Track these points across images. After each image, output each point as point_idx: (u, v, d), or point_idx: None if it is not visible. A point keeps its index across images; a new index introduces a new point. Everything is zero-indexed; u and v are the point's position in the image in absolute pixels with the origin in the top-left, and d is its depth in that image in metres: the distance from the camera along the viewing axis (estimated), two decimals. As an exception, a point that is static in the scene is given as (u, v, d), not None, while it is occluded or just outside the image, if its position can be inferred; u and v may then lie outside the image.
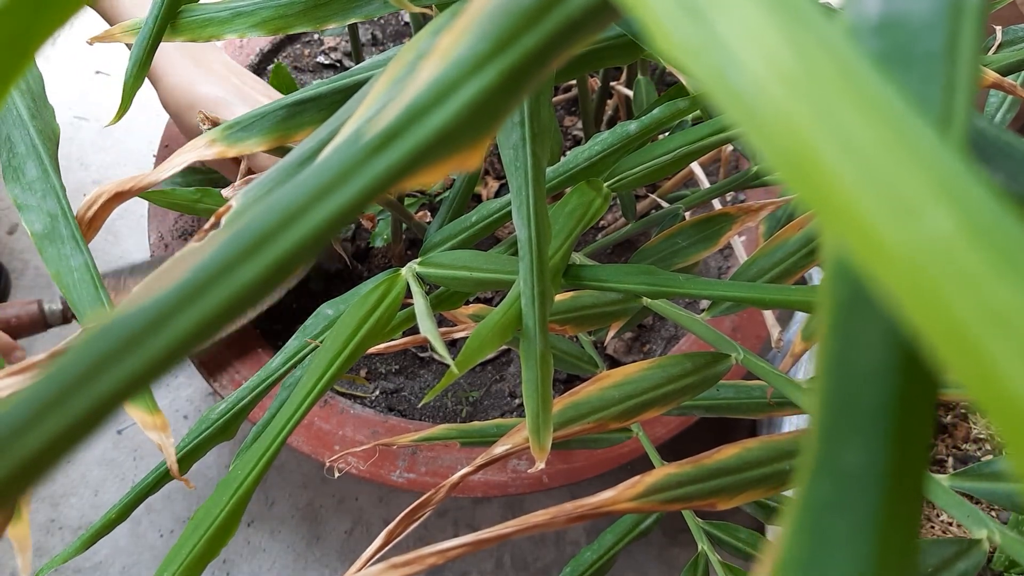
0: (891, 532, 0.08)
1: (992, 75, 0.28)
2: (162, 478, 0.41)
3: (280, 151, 0.38)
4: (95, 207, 0.33)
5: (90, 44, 0.39)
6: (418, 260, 0.40)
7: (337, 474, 0.51)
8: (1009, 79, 0.30)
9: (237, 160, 0.61)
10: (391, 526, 0.32)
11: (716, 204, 0.62)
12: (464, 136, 0.09)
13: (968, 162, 0.06)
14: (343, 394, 0.67)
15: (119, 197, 0.33)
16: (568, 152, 0.44)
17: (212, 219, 0.19)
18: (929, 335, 0.06)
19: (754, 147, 0.07)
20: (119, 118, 0.39)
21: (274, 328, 0.70)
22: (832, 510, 0.08)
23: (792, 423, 0.61)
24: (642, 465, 0.47)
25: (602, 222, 0.75)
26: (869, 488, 0.08)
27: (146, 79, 0.59)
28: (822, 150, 0.06)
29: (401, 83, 0.11)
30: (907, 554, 0.08)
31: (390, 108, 0.09)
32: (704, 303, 0.71)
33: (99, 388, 0.07)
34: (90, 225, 0.33)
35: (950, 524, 0.63)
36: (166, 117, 0.68)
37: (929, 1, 0.08)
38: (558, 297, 0.42)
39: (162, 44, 0.58)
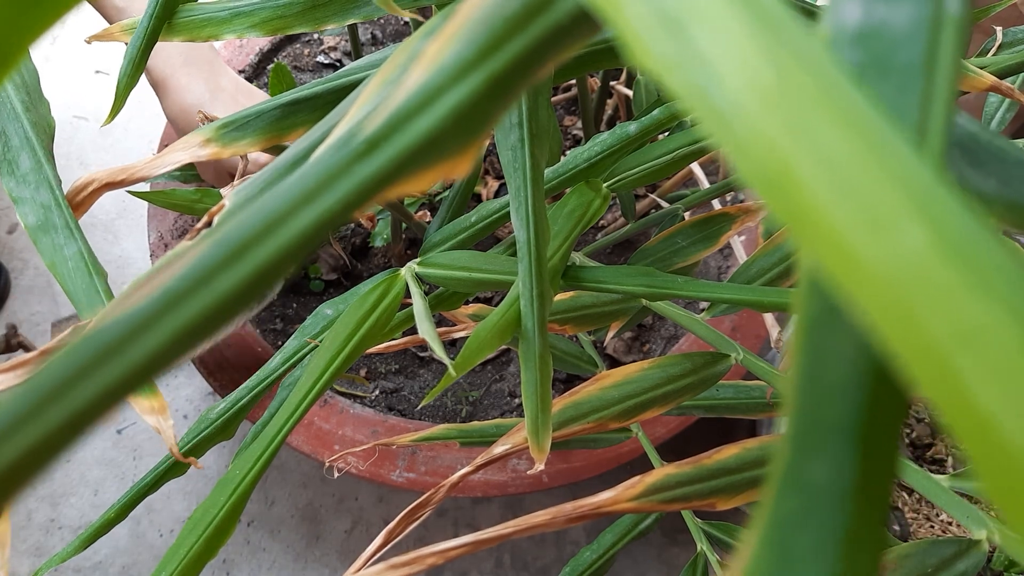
0: (856, 549, 0.08)
1: (989, 78, 0.28)
2: (161, 477, 0.41)
3: (276, 150, 0.38)
4: (84, 193, 0.33)
5: (88, 43, 0.39)
6: (417, 260, 0.40)
7: (337, 474, 0.51)
8: (1007, 81, 0.30)
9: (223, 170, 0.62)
10: (390, 526, 0.32)
11: (716, 204, 0.62)
12: (450, 142, 0.09)
13: (943, 177, 0.06)
14: (343, 394, 0.67)
15: (109, 187, 0.33)
16: (568, 152, 0.44)
17: (205, 218, 0.19)
18: (900, 351, 0.06)
19: (731, 162, 0.07)
20: (112, 117, 0.39)
21: (274, 328, 0.70)
22: (798, 525, 0.08)
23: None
24: (642, 465, 0.47)
25: (602, 221, 0.75)
26: (835, 503, 0.08)
27: (153, 89, 0.59)
28: (798, 166, 0.06)
29: (392, 85, 0.10)
30: (872, 571, 0.08)
31: (376, 115, 0.09)
32: (704, 302, 0.71)
33: (77, 399, 0.07)
34: (76, 209, 0.33)
35: (950, 523, 0.63)
36: (165, 117, 0.68)
37: (909, 12, 0.08)
38: (557, 297, 0.42)
39: (174, 58, 0.58)
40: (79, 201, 0.32)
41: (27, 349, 0.69)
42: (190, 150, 0.32)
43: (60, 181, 0.33)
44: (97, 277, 0.31)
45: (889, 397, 0.08)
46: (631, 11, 0.07)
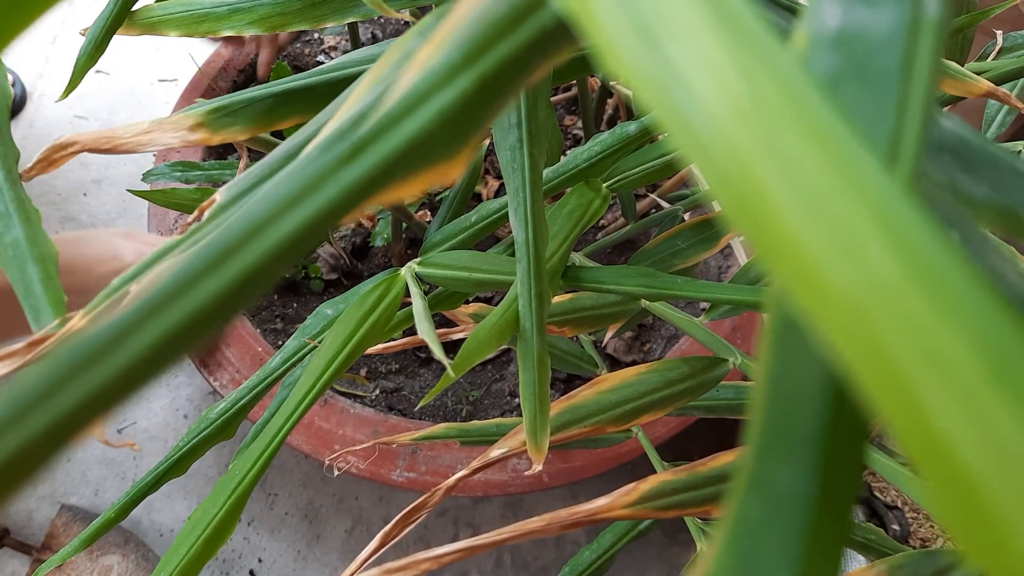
0: (816, 555, 0.08)
1: (985, 84, 0.28)
2: (162, 476, 0.41)
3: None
4: (62, 153, 0.31)
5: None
6: (417, 260, 0.40)
7: (337, 473, 0.51)
8: (1007, 87, 0.30)
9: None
10: (386, 528, 0.32)
11: (716, 205, 0.62)
12: (439, 146, 0.08)
13: (913, 198, 0.06)
14: (343, 393, 0.67)
15: (92, 151, 0.31)
16: (568, 152, 0.44)
17: (195, 213, 0.19)
18: (862, 373, 0.06)
19: (700, 175, 0.07)
20: (67, 94, 0.38)
21: (274, 328, 0.70)
22: (761, 530, 0.08)
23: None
24: (642, 464, 0.47)
25: (602, 221, 0.75)
26: (797, 510, 0.08)
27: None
28: (766, 181, 0.06)
29: (383, 84, 0.10)
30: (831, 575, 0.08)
31: (365, 119, 0.09)
32: (705, 303, 0.71)
33: (56, 408, 0.06)
34: (47, 166, 0.31)
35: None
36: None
37: (888, 18, 0.08)
38: (557, 298, 0.42)
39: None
40: (54, 159, 0.31)
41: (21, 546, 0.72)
42: (179, 133, 0.31)
43: (19, 155, 0.31)
44: (36, 266, 0.29)
45: (854, 408, 0.08)
46: (605, 20, 0.07)
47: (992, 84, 0.28)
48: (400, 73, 0.09)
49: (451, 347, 0.69)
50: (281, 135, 0.69)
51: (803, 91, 0.06)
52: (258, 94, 0.34)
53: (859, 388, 0.06)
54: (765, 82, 0.06)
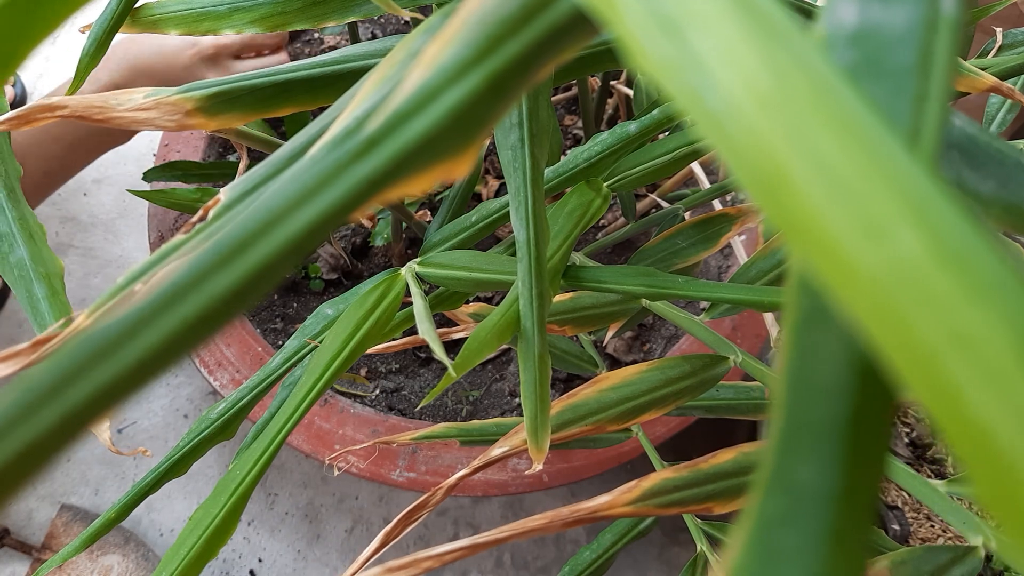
0: (842, 550, 0.08)
1: (990, 79, 0.28)
2: (162, 477, 0.41)
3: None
4: (48, 114, 0.30)
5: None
6: (417, 260, 0.40)
7: (337, 472, 0.51)
8: (1008, 83, 0.30)
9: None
10: (388, 528, 0.32)
11: (716, 204, 0.62)
12: (448, 142, 0.09)
13: (939, 182, 0.06)
14: (343, 393, 0.67)
15: (81, 119, 0.30)
16: (568, 152, 0.44)
17: (200, 212, 0.19)
18: (894, 357, 0.06)
19: (726, 165, 0.07)
20: (72, 93, 0.38)
21: (274, 327, 0.70)
22: (784, 525, 0.08)
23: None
24: (642, 464, 0.47)
25: (602, 221, 0.75)
26: (821, 506, 0.08)
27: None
28: (793, 170, 0.06)
29: (390, 83, 0.10)
30: (858, 572, 0.08)
31: (375, 116, 0.09)
32: (704, 302, 0.71)
33: (68, 401, 0.06)
34: (27, 123, 0.30)
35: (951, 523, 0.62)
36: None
37: (904, 14, 0.08)
38: (558, 297, 0.42)
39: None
40: (35, 118, 0.30)
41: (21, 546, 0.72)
42: (176, 116, 0.31)
43: (20, 173, 0.31)
44: (40, 283, 0.29)
45: (877, 399, 0.08)
46: (628, 13, 0.07)
47: (996, 79, 0.28)
48: (407, 72, 0.09)
49: (451, 347, 0.69)
50: (284, 136, 0.69)
51: (827, 78, 0.06)
52: (259, 82, 0.33)
53: (892, 373, 0.06)
54: (789, 70, 0.06)
